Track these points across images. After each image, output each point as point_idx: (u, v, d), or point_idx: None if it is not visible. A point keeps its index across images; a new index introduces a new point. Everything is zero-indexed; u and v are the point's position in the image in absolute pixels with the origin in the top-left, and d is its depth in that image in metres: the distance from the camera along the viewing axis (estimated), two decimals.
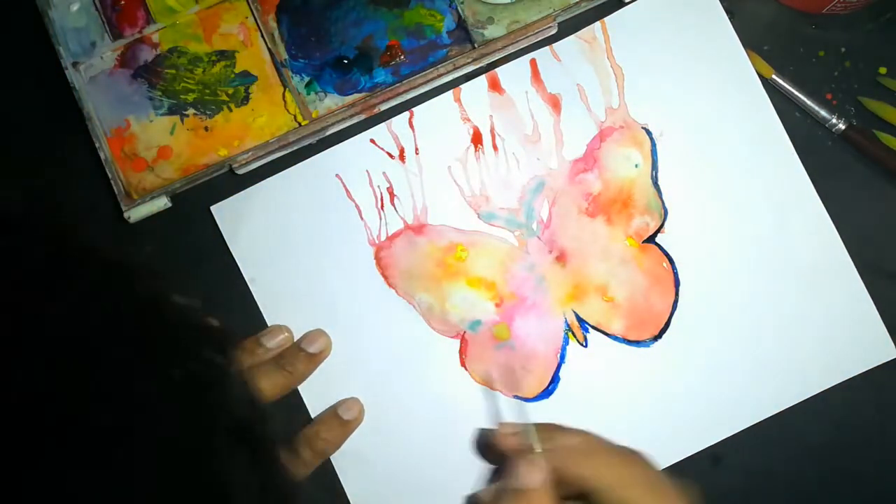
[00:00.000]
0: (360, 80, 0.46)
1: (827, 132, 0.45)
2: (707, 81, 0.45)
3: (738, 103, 0.45)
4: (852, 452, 0.44)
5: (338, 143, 0.46)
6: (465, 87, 0.46)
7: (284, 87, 0.46)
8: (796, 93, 0.45)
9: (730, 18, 0.45)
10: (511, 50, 0.46)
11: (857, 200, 0.45)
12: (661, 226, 0.44)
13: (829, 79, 0.46)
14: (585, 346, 0.44)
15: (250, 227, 0.45)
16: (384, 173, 0.45)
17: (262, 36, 0.46)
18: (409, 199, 0.45)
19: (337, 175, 0.45)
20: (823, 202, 0.44)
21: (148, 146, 0.46)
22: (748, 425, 0.43)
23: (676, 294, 0.44)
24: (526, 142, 0.45)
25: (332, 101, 0.46)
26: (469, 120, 0.46)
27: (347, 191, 0.45)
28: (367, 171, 0.45)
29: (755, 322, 0.44)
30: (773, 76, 0.45)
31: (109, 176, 0.45)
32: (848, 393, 0.43)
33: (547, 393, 0.44)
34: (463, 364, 0.44)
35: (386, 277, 0.45)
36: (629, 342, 0.44)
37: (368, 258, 0.45)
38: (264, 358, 0.44)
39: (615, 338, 0.44)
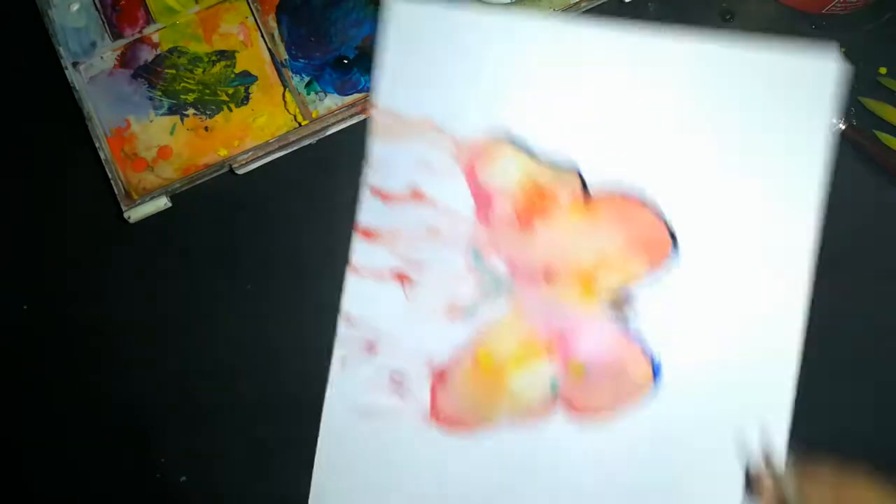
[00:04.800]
0: (360, 80, 0.46)
1: None
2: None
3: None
4: (852, 452, 0.44)
5: (338, 142, 0.46)
6: None
7: (284, 87, 0.46)
8: None
9: (729, 19, 0.45)
10: None
11: (857, 200, 0.45)
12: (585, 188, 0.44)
13: None
14: (636, 311, 0.43)
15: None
16: None
17: (262, 36, 0.46)
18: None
19: None
20: (824, 202, 0.44)
21: (148, 146, 0.46)
22: None
23: None
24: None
25: (332, 101, 0.46)
26: None
27: None
28: None
29: None
30: None
31: (109, 176, 0.46)
32: (848, 393, 0.43)
33: (657, 378, 0.43)
34: (577, 410, 0.43)
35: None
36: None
37: None
38: None
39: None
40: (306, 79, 0.46)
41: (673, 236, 0.43)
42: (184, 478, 0.46)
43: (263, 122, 0.46)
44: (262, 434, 0.45)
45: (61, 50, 0.46)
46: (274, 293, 0.46)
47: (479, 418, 0.44)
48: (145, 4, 0.47)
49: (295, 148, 0.46)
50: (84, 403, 0.46)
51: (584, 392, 0.43)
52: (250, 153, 0.46)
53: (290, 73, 0.46)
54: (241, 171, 0.46)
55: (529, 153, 0.44)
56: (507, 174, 0.44)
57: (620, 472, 0.42)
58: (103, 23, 0.47)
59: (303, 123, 0.46)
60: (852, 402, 0.44)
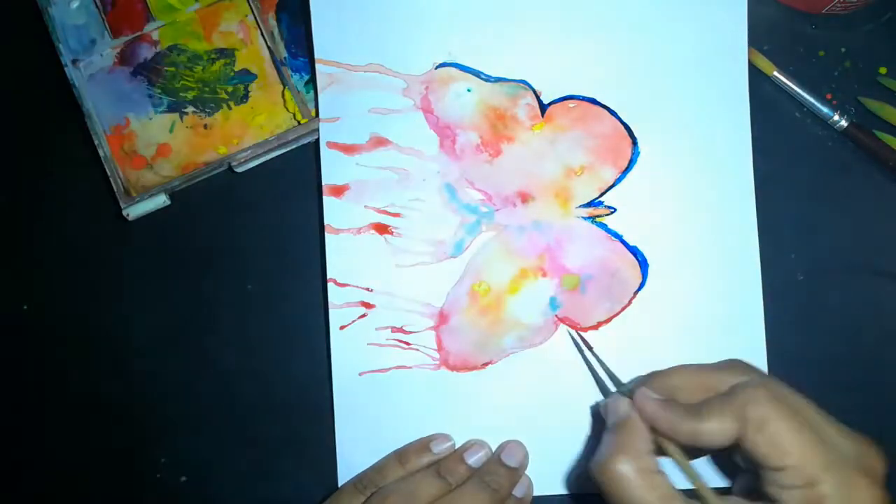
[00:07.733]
0: None
1: (827, 132, 0.45)
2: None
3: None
4: None
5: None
6: None
7: (284, 85, 0.46)
8: (798, 90, 0.45)
9: None
10: None
11: (858, 200, 0.45)
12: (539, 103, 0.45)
13: (829, 79, 0.46)
14: (615, 211, 0.44)
15: None
16: None
17: (262, 34, 0.46)
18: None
19: None
20: (824, 202, 0.44)
21: (147, 144, 0.46)
22: None
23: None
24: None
25: None
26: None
27: None
28: None
29: None
30: (775, 73, 0.45)
31: (108, 173, 0.45)
32: (848, 393, 0.44)
33: (644, 273, 0.44)
34: (579, 322, 0.44)
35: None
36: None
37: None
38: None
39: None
40: (305, 77, 0.46)
41: (631, 134, 0.44)
42: (184, 478, 0.46)
43: (263, 121, 0.46)
44: (262, 435, 0.45)
45: (61, 47, 0.46)
46: (274, 293, 0.46)
47: (486, 353, 0.44)
48: (145, 2, 0.47)
49: (294, 146, 0.46)
50: (84, 403, 0.46)
51: (582, 302, 0.44)
52: (249, 151, 0.45)
53: (289, 72, 0.46)
54: (240, 169, 0.46)
55: (479, 77, 0.45)
56: (463, 102, 0.45)
57: (624, 375, 0.41)
58: (103, 20, 0.47)
59: (302, 122, 0.46)
60: (852, 402, 0.44)
